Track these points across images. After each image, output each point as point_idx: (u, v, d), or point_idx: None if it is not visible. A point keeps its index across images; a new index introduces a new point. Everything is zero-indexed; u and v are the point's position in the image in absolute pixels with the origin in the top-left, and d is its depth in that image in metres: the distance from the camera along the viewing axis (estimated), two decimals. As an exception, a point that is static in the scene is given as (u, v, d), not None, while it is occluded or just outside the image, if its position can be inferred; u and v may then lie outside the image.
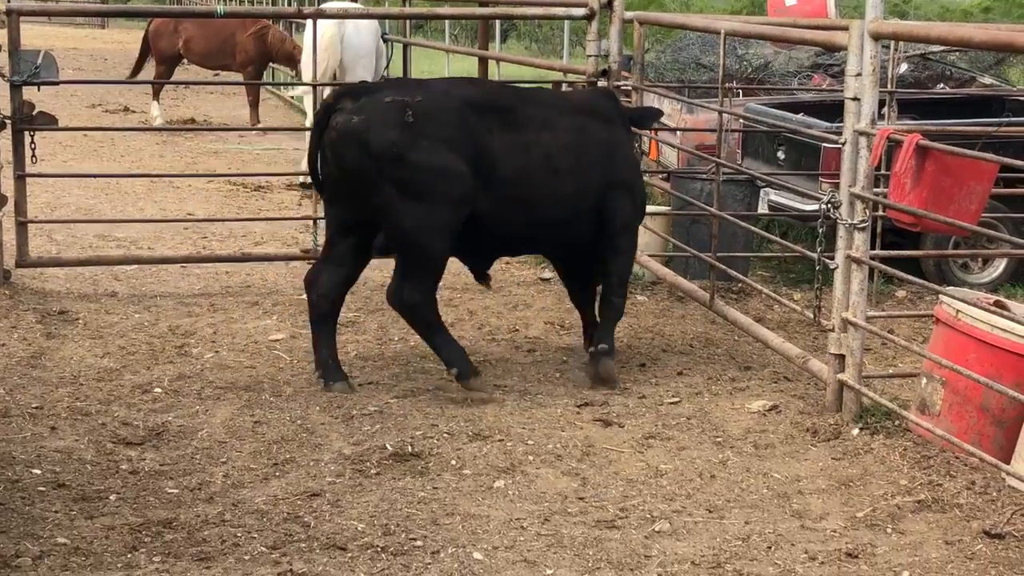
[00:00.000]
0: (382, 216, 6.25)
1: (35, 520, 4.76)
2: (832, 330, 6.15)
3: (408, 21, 14.08)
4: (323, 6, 12.12)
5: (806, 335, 7.59)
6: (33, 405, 6.02)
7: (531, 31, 30.75)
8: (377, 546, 4.63)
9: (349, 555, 4.56)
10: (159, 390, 6.31)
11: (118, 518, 4.80)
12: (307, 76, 11.92)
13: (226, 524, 4.77)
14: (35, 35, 27.99)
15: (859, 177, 5.93)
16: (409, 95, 6.21)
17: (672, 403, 6.36)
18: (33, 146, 8.07)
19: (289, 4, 20.63)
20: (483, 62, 11.72)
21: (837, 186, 6.17)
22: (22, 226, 8.19)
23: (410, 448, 5.59)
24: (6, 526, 4.69)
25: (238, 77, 16.82)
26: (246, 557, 4.51)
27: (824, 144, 8.64)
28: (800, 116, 9.58)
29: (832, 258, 6.19)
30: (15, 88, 7.91)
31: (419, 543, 4.67)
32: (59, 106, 13.24)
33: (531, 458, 5.56)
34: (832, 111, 8.57)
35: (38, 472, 5.22)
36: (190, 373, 6.57)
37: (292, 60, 15.90)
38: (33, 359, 6.72)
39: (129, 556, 4.50)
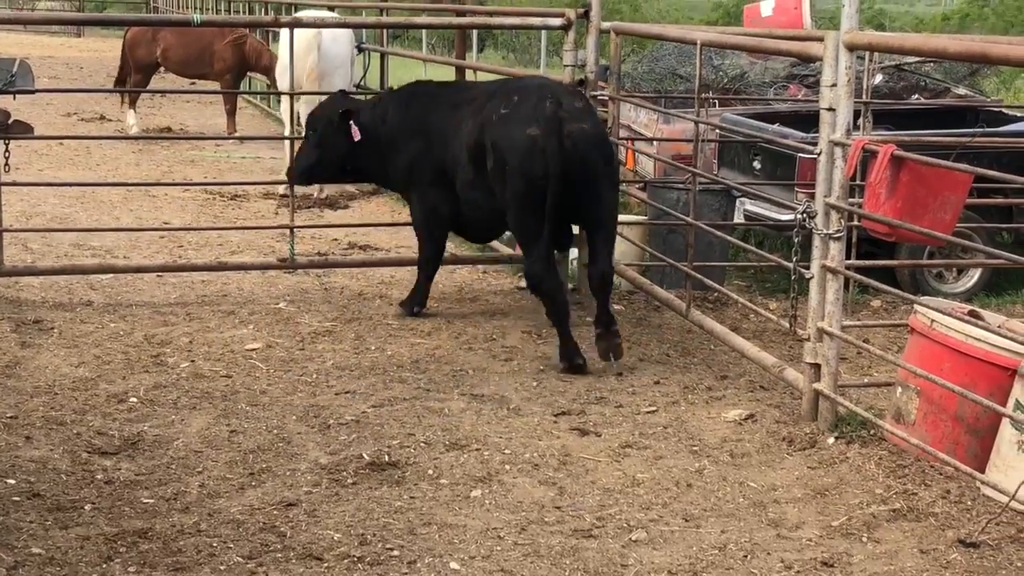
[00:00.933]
0: (594, 211, 7.18)
1: (9, 530, 4.73)
2: (808, 339, 6.17)
3: (385, 30, 14.08)
4: (299, 15, 12.10)
5: (782, 344, 7.62)
6: (8, 415, 5.99)
7: (508, 41, 30.80)
8: (354, 556, 4.62)
9: (325, 565, 4.55)
10: (134, 399, 6.29)
11: (93, 528, 4.78)
12: (283, 85, 11.92)
13: (202, 534, 4.75)
14: (10, 43, 27.88)
15: (834, 187, 5.95)
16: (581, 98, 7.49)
17: (649, 412, 6.37)
18: (7, 154, 8.04)
19: (266, 13, 20.60)
20: (460, 71, 11.73)
21: (812, 196, 6.19)
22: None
23: (387, 457, 5.59)
24: (-20, 536, 4.67)
25: (215, 86, 16.79)
26: (222, 567, 4.49)
27: (800, 154, 8.68)
28: (776, 126, 9.62)
29: (808, 268, 6.21)
30: (-10, 96, 7.88)
31: (396, 553, 4.67)
32: (35, 114, 13.19)
33: (508, 467, 5.56)
34: (808, 121, 8.61)
35: (12, 482, 5.19)
36: (166, 382, 6.55)
37: (269, 70, 15.88)
38: (8, 368, 6.69)
39: (104, 566, 4.48)
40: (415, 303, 8.01)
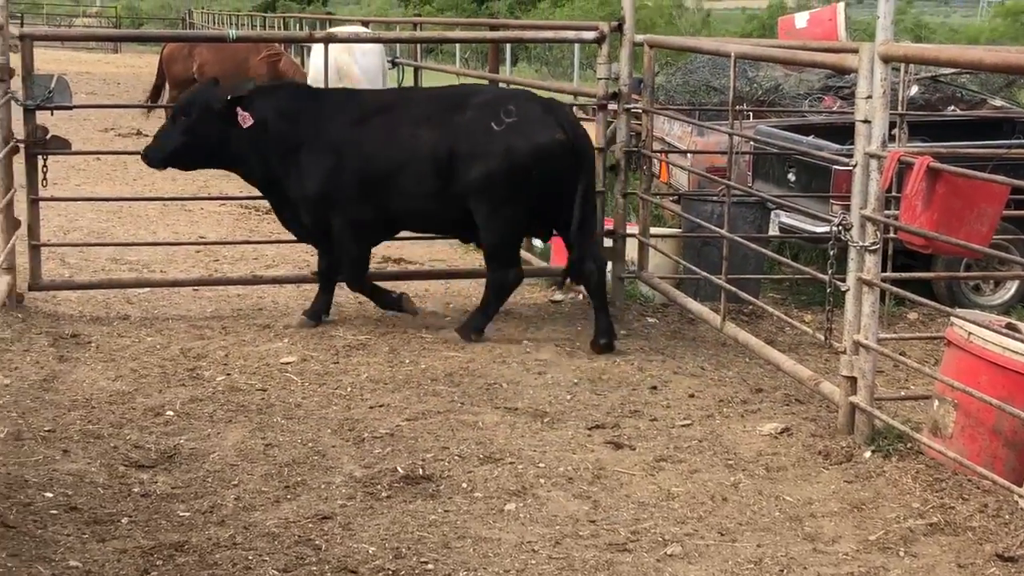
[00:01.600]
0: (592, 208, 7.88)
1: (47, 543, 4.77)
2: (844, 352, 6.14)
3: (419, 45, 14.13)
4: (333, 30, 12.17)
5: (818, 357, 7.58)
6: (45, 428, 6.03)
7: (541, 54, 30.84)
8: (388, 569, 4.63)
9: (360, 578, 4.56)
10: (171, 413, 6.32)
11: (130, 541, 4.80)
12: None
13: (237, 547, 4.77)
14: (48, 60, 28.10)
15: (870, 199, 5.93)
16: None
17: (684, 425, 6.35)
18: (45, 169, 8.10)
19: (301, 28, 20.70)
20: (494, 85, 11.74)
21: (848, 208, 6.17)
22: (35, 249, 8.21)
23: (421, 471, 5.59)
24: (18, 549, 4.69)
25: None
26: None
27: (835, 166, 8.64)
28: (811, 138, 9.59)
29: (843, 280, 6.18)
30: (29, 112, 7.95)
31: (430, 566, 4.67)
32: (72, 130, 13.29)
33: (542, 481, 5.55)
34: (843, 133, 8.58)
35: (50, 495, 5.22)
36: (202, 396, 6.58)
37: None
38: (45, 382, 6.74)
39: (141, 579, 4.50)
40: (321, 312, 8.05)
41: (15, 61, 7.87)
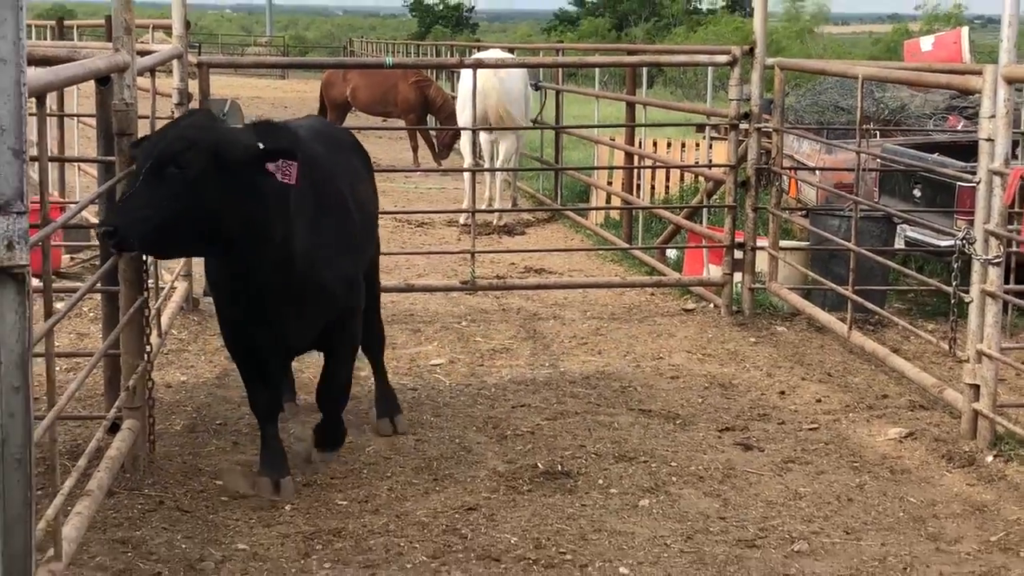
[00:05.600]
0: None
1: (218, 527, 4.89)
2: (967, 361, 6.01)
3: (561, 69, 14.18)
4: (479, 55, 12.28)
5: (941, 366, 7.41)
6: (217, 422, 6.18)
7: (676, 77, 30.70)
8: (529, 558, 4.65)
9: (503, 566, 4.58)
10: (330, 410, 6.41)
11: (292, 527, 4.90)
12: (464, 121, 12.10)
13: (390, 534, 4.83)
14: (223, 85, 28.79)
15: (993, 214, 5.80)
16: None
17: (811, 429, 6.26)
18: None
19: (451, 55, 20.92)
20: (631, 106, 11.74)
21: (972, 223, 6.04)
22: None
23: (560, 467, 5.60)
24: (192, 532, 4.82)
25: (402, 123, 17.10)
26: (408, 565, 4.56)
27: (959, 183, 8.45)
28: (935, 156, 9.38)
29: (967, 292, 6.05)
30: (204, 133, 8.14)
31: (568, 557, 4.68)
32: (242, 149, 13.58)
33: (674, 479, 5.52)
34: (967, 151, 8.38)
35: (221, 483, 5.35)
36: (358, 394, 6.66)
37: (447, 117, 16.09)
38: (218, 379, 6.91)
39: (302, 562, 4.59)
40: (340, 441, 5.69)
41: (193, 87, 8.10)
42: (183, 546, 4.69)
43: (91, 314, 7.91)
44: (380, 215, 6.15)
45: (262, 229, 4.70)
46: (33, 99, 3.44)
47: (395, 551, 4.69)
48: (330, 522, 4.96)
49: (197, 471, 5.47)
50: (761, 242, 8.71)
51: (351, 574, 4.49)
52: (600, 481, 5.47)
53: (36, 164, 3.84)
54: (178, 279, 8.03)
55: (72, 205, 6.08)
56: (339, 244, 5.10)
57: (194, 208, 4.49)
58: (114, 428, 5.16)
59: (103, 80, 5.14)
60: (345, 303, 5.23)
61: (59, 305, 4.39)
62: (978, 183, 5.88)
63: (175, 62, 7.82)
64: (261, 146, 4.62)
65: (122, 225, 4.38)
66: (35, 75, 3.42)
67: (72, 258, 9.56)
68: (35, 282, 3.12)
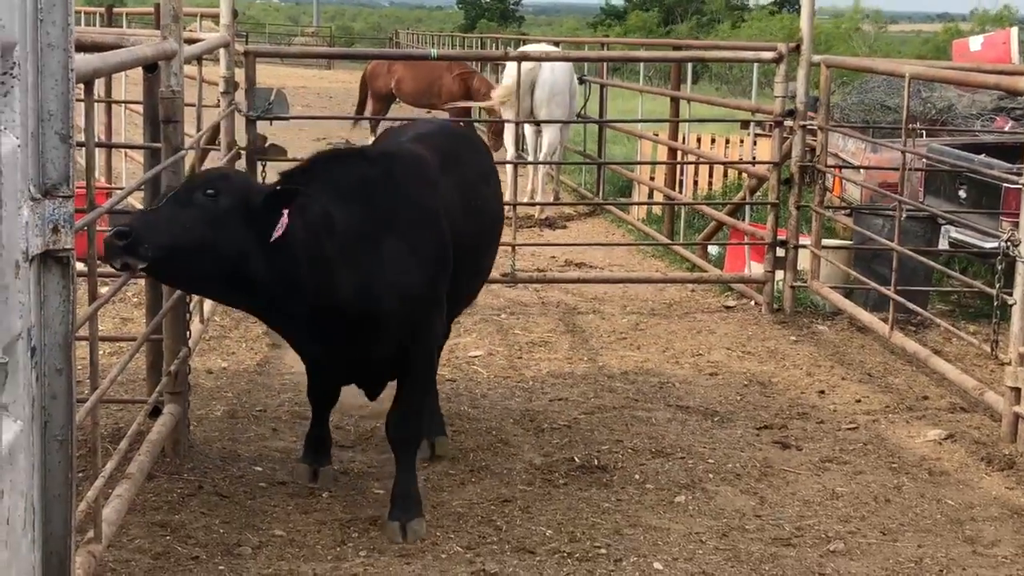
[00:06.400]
0: None
1: (256, 512, 4.92)
2: (1009, 364, 5.95)
3: (606, 64, 14.16)
4: (524, 48, 12.27)
5: (983, 368, 7.34)
6: (257, 408, 6.22)
7: (722, 72, 30.57)
8: (564, 552, 4.65)
9: (537, 559, 4.59)
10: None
11: (329, 514, 4.92)
12: (508, 115, 12.10)
13: (426, 524, 4.84)
14: (269, 74, 28.92)
15: (1039, 216, 5.74)
16: None
17: (849, 429, 6.23)
18: (264, 175, 8.35)
19: (496, 47, 20.93)
20: (675, 102, 11.70)
21: (1016, 225, 5.98)
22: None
23: (596, 461, 5.60)
24: (230, 517, 4.86)
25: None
26: (443, 556, 4.58)
27: (1005, 184, 8.37)
28: (982, 157, 9.30)
29: (1010, 294, 6.00)
30: (250, 122, 8.20)
31: (603, 551, 4.68)
32: (288, 139, 13.63)
33: (711, 476, 5.51)
34: (1014, 153, 8.30)
35: (259, 469, 5.39)
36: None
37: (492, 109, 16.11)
38: (259, 367, 6.96)
39: (338, 550, 4.62)
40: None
41: (239, 76, 8.14)
42: (221, 531, 4.73)
43: (135, 299, 7.98)
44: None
45: (290, 278, 4.37)
46: (81, 85, 3.46)
47: (430, 541, 4.70)
48: (367, 510, 4.98)
49: (236, 456, 5.51)
50: (804, 240, 8.66)
51: (386, 562, 4.51)
52: (636, 476, 5.47)
53: (83, 149, 3.88)
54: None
55: (118, 191, 6.13)
56: (406, 263, 4.61)
57: (216, 240, 4.22)
58: (155, 412, 5.21)
59: (150, 67, 5.18)
60: (413, 325, 4.71)
61: (104, 290, 4.42)
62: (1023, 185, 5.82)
63: (222, 51, 7.87)
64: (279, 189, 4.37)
65: (138, 228, 4.10)
66: (83, 61, 3.45)
67: (117, 243, 9.62)
68: (80, 266, 3.15)
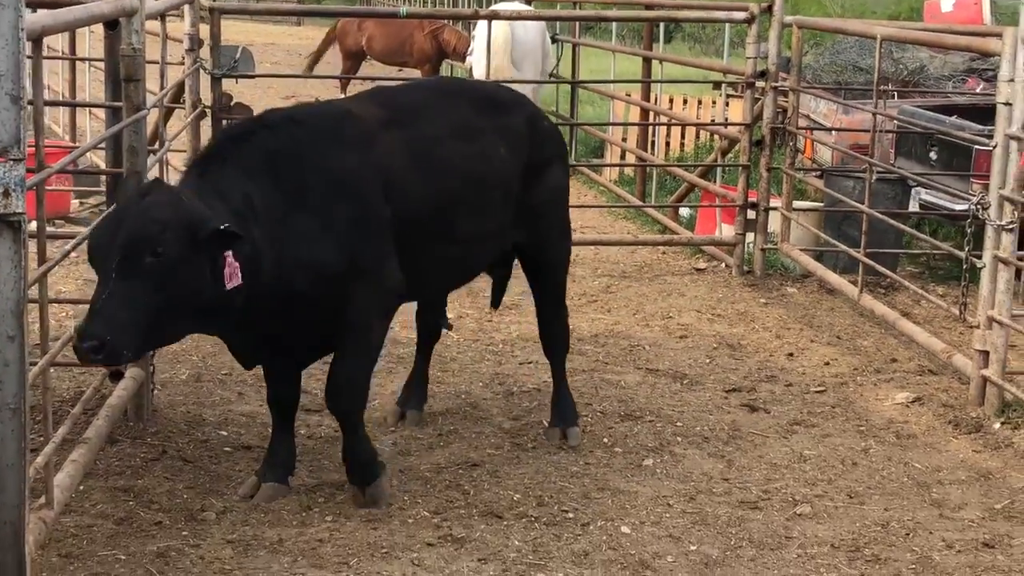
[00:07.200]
0: None
1: (220, 477, 4.89)
2: (977, 327, 5.97)
3: (578, 23, 14.06)
4: (495, 7, 12.16)
5: (952, 331, 7.36)
6: (223, 372, 6.17)
7: (695, 32, 30.48)
8: (531, 516, 4.64)
9: (505, 523, 4.58)
10: (336, 362, 6.39)
11: (295, 479, 4.88)
12: (478, 74, 12.00)
13: (393, 488, 4.82)
14: (236, 31, 28.67)
15: (1009, 180, 5.74)
16: None
17: (817, 392, 6.23)
18: (230, 134, 8.25)
19: (468, 6, 20.77)
20: (647, 62, 11.63)
21: (987, 187, 5.98)
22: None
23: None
24: (195, 482, 4.82)
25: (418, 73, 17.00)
26: (410, 520, 4.55)
27: (976, 146, 8.36)
28: (953, 119, 9.29)
29: (979, 257, 6.00)
30: (215, 80, 8.10)
31: (570, 515, 4.67)
32: (256, 97, 13.53)
33: (679, 439, 5.51)
34: (985, 114, 8.29)
35: (224, 433, 5.36)
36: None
37: (463, 56, 15.99)
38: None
39: (304, 515, 4.59)
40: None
41: (204, 32, 8.03)
42: (184, 496, 4.70)
43: (99, 260, 7.88)
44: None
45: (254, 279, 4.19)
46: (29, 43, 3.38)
47: (397, 506, 4.68)
48: (332, 475, 4.95)
49: (201, 421, 5.47)
50: (774, 202, 8.65)
51: (352, 528, 4.48)
52: (605, 440, 5.45)
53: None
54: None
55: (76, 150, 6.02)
56: (315, 237, 4.38)
57: (184, 296, 4.02)
58: (117, 376, 5.15)
59: (112, 24, 5.09)
60: (337, 300, 4.48)
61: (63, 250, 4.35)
62: (994, 147, 5.81)
63: (186, 7, 7.73)
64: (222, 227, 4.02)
65: (110, 335, 3.82)
66: (32, 19, 3.37)
67: (81, 203, 9.53)
68: (32, 226, 3.08)
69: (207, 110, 8.15)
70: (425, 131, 4.84)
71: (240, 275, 4.06)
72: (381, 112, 4.80)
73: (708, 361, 6.66)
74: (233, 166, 4.32)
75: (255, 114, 4.92)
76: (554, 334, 5.50)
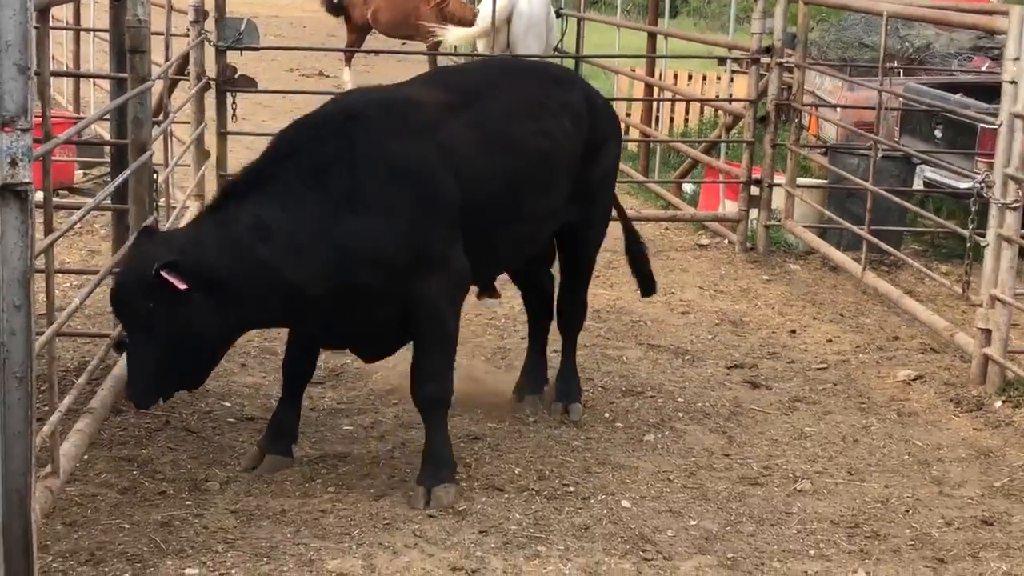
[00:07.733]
0: None
1: (223, 448, 4.91)
2: (980, 305, 5.98)
3: (583, -3, 14.03)
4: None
5: (954, 309, 7.37)
6: (226, 343, 6.17)
7: (700, 7, 30.39)
8: (532, 489, 4.66)
9: (506, 496, 4.60)
10: (339, 335, 6.41)
11: (298, 450, 4.91)
12: (482, 48, 11.98)
13: (395, 461, 4.85)
14: (240, 3, 28.56)
15: (1013, 158, 5.73)
16: None
17: (819, 369, 6.25)
18: (234, 106, 8.26)
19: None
20: (652, 36, 11.60)
21: (991, 166, 5.98)
22: (223, 179, 8.38)
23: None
24: (198, 452, 4.85)
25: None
26: (411, 493, 4.57)
27: (981, 125, 8.36)
28: (958, 96, 9.28)
29: (983, 235, 6.01)
30: (220, 52, 8.09)
31: (571, 489, 4.69)
32: (259, 69, 13.50)
33: (681, 415, 5.53)
34: (990, 93, 8.28)
35: (228, 404, 5.38)
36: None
37: (469, 25, 15.92)
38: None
39: (307, 486, 4.61)
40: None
41: (209, 4, 8.01)
42: (188, 466, 4.72)
43: (103, 231, 7.89)
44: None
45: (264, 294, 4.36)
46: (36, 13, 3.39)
47: (398, 478, 4.70)
48: (335, 447, 4.98)
49: (204, 392, 5.47)
50: (778, 179, 8.65)
51: (354, 499, 4.51)
52: (606, 415, 5.48)
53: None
54: (190, 198, 8.00)
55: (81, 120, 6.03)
56: (381, 226, 4.39)
57: (193, 331, 4.22)
58: (121, 346, 5.15)
59: (117, -5, 5.09)
60: (404, 290, 4.48)
61: (69, 221, 4.37)
62: (999, 126, 5.81)
63: (191, -22, 7.73)
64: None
65: (135, 398, 4.37)
66: (41, -11, 3.38)
67: (85, 174, 9.54)
68: (38, 196, 3.09)
69: (211, 82, 8.15)
70: (490, 110, 4.81)
71: (182, 282, 4.09)
72: (444, 95, 4.77)
73: (710, 337, 6.68)
74: (257, 191, 4.50)
75: (311, 115, 4.85)
76: (574, 311, 5.53)
